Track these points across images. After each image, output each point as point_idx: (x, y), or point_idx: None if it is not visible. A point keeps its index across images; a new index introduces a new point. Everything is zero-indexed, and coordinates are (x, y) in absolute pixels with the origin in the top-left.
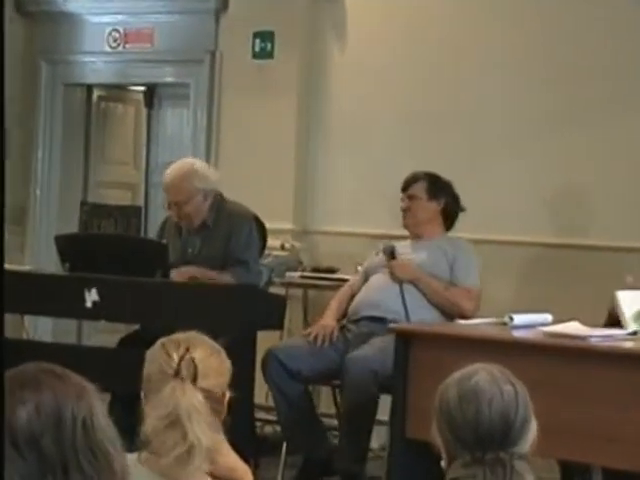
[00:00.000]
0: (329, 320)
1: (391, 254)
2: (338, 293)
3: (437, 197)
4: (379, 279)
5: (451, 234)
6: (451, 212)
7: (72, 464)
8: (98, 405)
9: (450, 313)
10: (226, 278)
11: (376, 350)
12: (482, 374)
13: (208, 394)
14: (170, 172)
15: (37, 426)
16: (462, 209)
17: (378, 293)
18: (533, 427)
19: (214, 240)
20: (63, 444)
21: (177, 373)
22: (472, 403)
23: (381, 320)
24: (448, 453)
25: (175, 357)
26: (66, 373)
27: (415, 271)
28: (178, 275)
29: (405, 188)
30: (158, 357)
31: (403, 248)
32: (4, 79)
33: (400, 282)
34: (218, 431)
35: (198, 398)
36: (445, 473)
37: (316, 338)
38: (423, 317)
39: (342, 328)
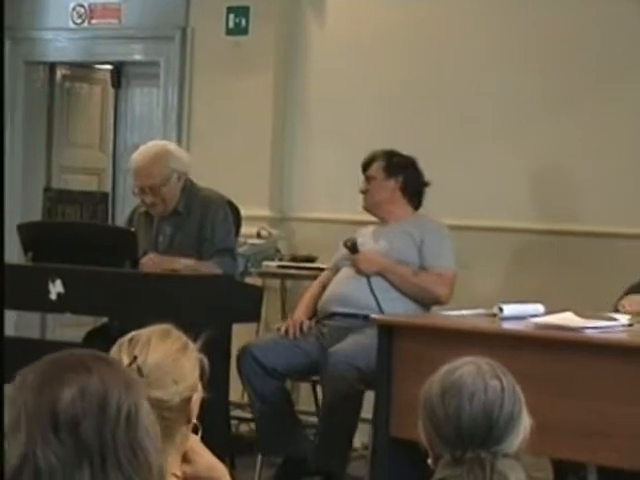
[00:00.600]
0: (299, 314)
1: (353, 247)
2: (309, 289)
3: (394, 174)
4: (346, 272)
5: (433, 217)
6: (413, 188)
7: (110, 456)
8: (144, 401)
9: (422, 301)
10: (209, 267)
11: (359, 346)
12: (468, 368)
13: (161, 404)
14: (140, 155)
15: (79, 409)
16: (426, 184)
17: (346, 287)
18: (523, 424)
19: (187, 227)
20: (104, 432)
21: None
22: (454, 398)
23: (354, 316)
24: (433, 451)
25: (125, 363)
26: (117, 362)
27: (380, 262)
28: (146, 265)
29: (364, 169)
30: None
31: (367, 237)
32: (4, 80)
33: (367, 276)
34: (166, 441)
35: None
36: (433, 471)
37: (287, 332)
38: (396, 309)
39: (317, 323)
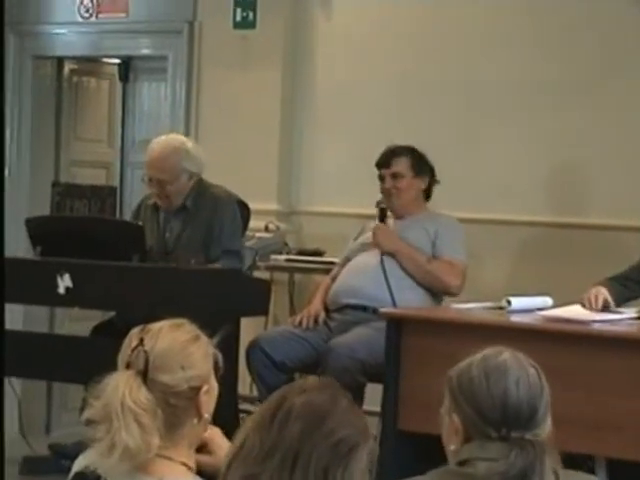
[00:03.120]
0: (317, 305)
1: (382, 212)
2: (322, 284)
3: (421, 173)
4: (358, 262)
5: (441, 211)
6: (431, 186)
7: (301, 463)
8: (364, 454)
9: (433, 289)
10: None
11: (361, 337)
12: (508, 354)
13: (166, 389)
14: (158, 146)
15: (297, 412)
16: (437, 181)
17: (358, 278)
18: (549, 415)
19: (195, 224)
20: (307, 442)
21: (128, 364)
22: (500, 380)
23: (364, 309)
24: (465, 434)
25: (133, 347)
26: (363, 417)
27: (397, 241)
28: None
29: (387, 165)
30: (124, 345)
31: None
32: (4, 80)
33: (381, 252)
34: (174, 430)
35: (136, 395)
36: (452, 456)
37: (301, 322)
38: (408, 297)
39: (327, 315)
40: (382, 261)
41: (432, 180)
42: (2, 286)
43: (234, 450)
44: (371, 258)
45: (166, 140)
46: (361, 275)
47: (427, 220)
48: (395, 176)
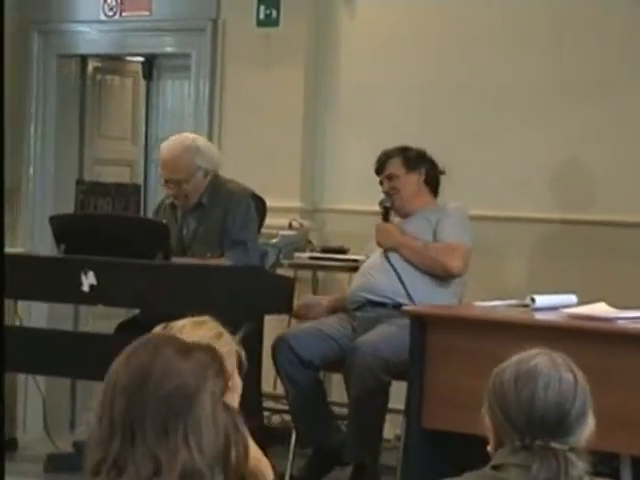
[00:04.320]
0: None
1: (385, 211)
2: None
3: (416, 167)
4: (368, 263)
5: (455, 204)
6: (432, 178)
7: (139, 430)
8: (207, 395)
9: (434, 273)
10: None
11: (384, 335)
12: (543, 358)
13: None
14: (169, 147)
15: (118, 389)
16: (442, 172)
17: (371, 275)
18: (590, 422)
19: (211, 220)
20: (134, 407)
21: None
22: (528, 385)
23: (383, 305)
24: (497, 436)
25: None
26: (197, 360)
27: (396, 237)
28: None
29: (381, 169)
30: None
31: None
32: (3, 79)
33: (384, 250)
34: None
35: None
36: (491, 458)
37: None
38: (418, 285)
39: (348, 315)
40: (387, 257)
41: (434, 172)
42: (2, 284)
43: (88, 437)
44: (377, 257)
45: (176, 140)
46: (372, 272)
47: (431, 212)
48: (390, 178)
